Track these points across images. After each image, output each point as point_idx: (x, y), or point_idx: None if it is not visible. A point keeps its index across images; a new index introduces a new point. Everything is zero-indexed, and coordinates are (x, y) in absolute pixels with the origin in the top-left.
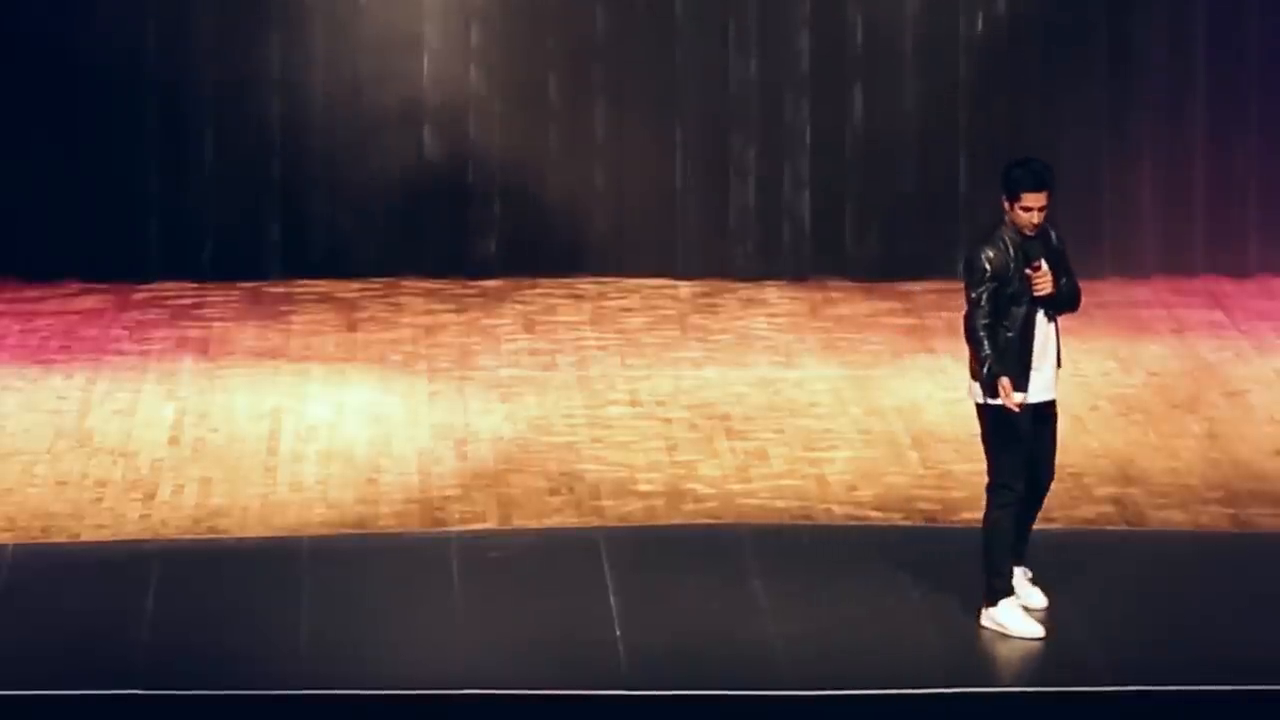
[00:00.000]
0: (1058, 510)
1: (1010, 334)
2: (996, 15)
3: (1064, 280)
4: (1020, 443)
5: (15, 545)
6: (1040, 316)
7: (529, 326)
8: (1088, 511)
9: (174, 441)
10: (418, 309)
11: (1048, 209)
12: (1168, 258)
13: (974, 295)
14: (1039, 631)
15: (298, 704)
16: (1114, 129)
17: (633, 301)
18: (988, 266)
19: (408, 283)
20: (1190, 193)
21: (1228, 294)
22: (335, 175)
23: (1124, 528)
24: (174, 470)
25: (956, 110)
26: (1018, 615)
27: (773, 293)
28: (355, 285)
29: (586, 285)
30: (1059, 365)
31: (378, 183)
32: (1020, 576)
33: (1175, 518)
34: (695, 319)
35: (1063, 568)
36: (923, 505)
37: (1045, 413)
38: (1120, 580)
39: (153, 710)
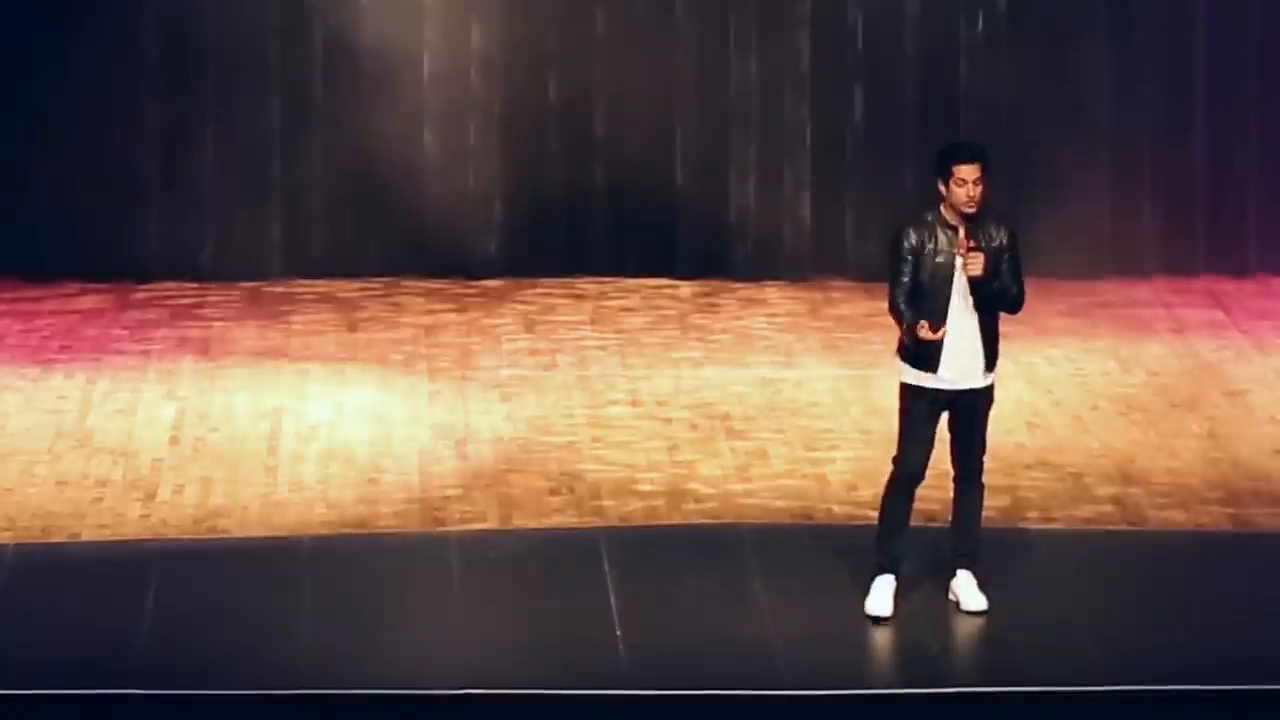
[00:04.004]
0: (1058, 510)
1: (924, 315)
2: (996, 15)
3: (1007, 279)
4: (919, 427)
5: (15, 545)
6: (961, 305)
7: (529, 326)
8: (1088, 511)
9: (174, 441)
10: (418, 309)
11: (984, 184)
12: (1168, 258)
13: (893, 272)
14: (885, 611)
15: (298, 704)
16: (1114, 129)
17: (633, 301)
18: (907, 243)
19: (408, 282)
20: (1190, 193)
21: (1228, 294)
22: (335, 175)
23: (1124, 527)
24: (174, 470)
25: (956, 110)
26: (877, 593)
27: (773, 292)
28: (355, 285)
29: (587, 285)
30: (991, 364)
31: (378, 182)
32: (965, 581)
33: (1176, 518)
34: (695, 319)
35: (1063, 567)
36: (922, 505)
37: (964, 400)
38: (1120, 580)
39: (152, 710)
